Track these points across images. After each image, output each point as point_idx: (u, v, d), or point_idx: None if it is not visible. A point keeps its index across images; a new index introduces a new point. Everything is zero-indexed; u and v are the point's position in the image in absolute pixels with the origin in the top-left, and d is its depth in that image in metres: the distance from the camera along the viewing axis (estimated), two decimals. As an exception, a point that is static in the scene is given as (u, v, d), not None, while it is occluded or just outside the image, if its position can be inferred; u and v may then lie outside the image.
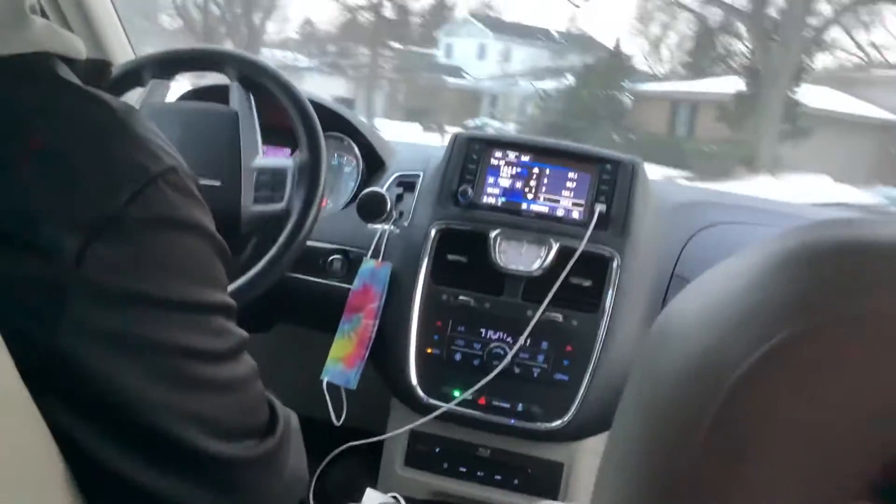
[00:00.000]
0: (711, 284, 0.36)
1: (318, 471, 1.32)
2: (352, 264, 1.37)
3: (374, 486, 1.20)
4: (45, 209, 0.49)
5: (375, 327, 1.30)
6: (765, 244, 0.35)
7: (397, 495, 1.09)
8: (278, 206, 1.20)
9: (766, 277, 0.33)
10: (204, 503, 0.56)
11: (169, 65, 1.28)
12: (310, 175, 1.19)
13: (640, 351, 0.38)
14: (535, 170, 1.34)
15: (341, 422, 1.30)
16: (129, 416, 0.52)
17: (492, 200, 1.35)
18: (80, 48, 0.60)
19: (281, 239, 1.18)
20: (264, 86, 1.23)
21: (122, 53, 1.56)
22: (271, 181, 1.22)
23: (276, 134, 1.35)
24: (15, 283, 0.48)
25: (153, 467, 0.53)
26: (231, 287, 1.13)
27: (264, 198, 1.21)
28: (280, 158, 1.27)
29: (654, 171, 1.39)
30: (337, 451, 1.30)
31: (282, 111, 1.22)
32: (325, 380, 1.30)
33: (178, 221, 0.54)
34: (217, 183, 1.18)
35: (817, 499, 0.30)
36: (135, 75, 1.27)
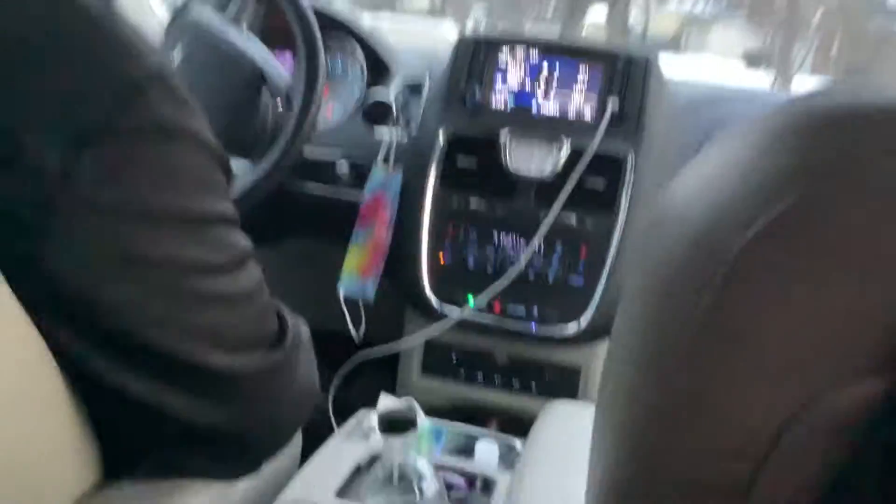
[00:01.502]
0: (711, 159, 0.34)
1: (337, 382, 1.33)
2: (360, 172, 1.35)
3: (393, 395, 1.21)
4: (26, 123, 0.47)
5: (390, 236, 1.29)
6: (764, 117, 0.33)
7: (411, 398, 1.10)
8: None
9: (766, 148, 0.31)
10: (212, 416, 0.55)
11: None
12: (307, 73, 1.17)
13: (642, 231, 0.36)
14: (545, 67, 1.30)
15: (361, 335, 1.30)
16: (129, 331, 0.50)
17: (501, 102, 1.31)
18: None
19: (279, 142, 1.16)
20: None
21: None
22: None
23: (280, 36, 1.31)
24: (3, 202, 0.46)
25: (157, 382, 0.52)
26: (232, 192, 1.11)
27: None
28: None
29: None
30: (353, 361, 1.30)
31: (279, 9, 1.18)
32: (342, 291, 1.30)
33: (168, 129, 0.51)
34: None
35: (825, 375, 0.29)
36: None
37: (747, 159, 0.32)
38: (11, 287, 0.46)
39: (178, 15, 1.29)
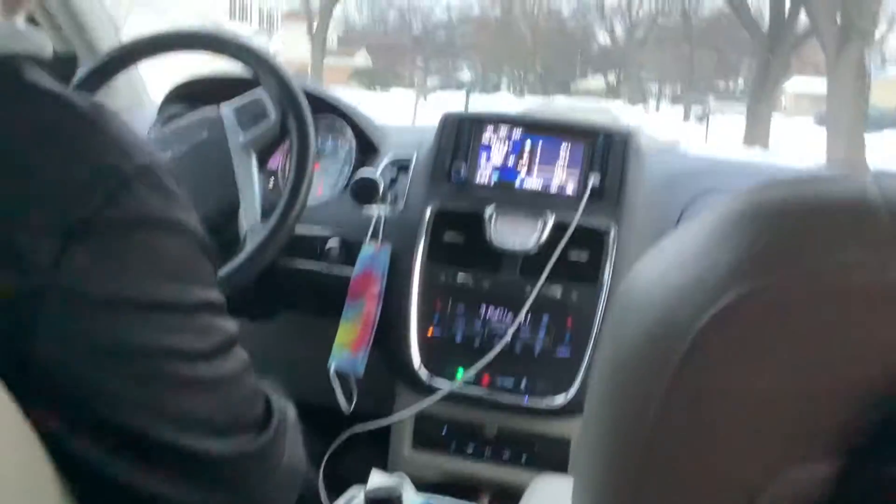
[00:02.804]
0: (668, 248, 0.36)
1: (327, 456, 1.33)
2: (350, 249, 1.37)
3: (384, 469, 1.21)
4: (18, 217, 0.48)
5: (379, 311, 1.30)
6: (717, 206, 0.35)
7: (403, 474, 1.10)
8: (268, 125, 1.24)
9: (714, 240, 0.33)
10: (200, 499, 0.56)
11: (153, 47, 1.29)
12: (299, 155, 1.19)
13: (612, 308, 0.38)
14: (528, 144, 1.34)
15: (351, 409, 1.30)
16: (116, 419, 0.51)
17: (485, 178, 1.34)
18: (45, 45, 0.59)
19: (272, 220, 1.18)
20: (250, 67, 1.23)
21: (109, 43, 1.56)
22: (252, 115, 1.25)
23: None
24: None
25: (144, 469, 0.53)
26: (222, 272, 1.13)
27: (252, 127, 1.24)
28: (246, 95, 1.28)
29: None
30: (344, 435, 1.30)
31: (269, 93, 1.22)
32: (333, 367, 1.31)
33: (155, 221, 0.53)
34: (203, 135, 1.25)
35: (782, 454, 0.30)
36: (119, 61, 1.28)
37: (703, 247, 0.33)
38: (1, 376, 0.47)
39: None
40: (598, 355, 0.38)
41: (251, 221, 1.21)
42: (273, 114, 1.24)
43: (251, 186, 1.23)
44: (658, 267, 0.36)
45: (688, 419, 0.31)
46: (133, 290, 0.51)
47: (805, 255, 0.30)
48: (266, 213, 1.21)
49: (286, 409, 0.65)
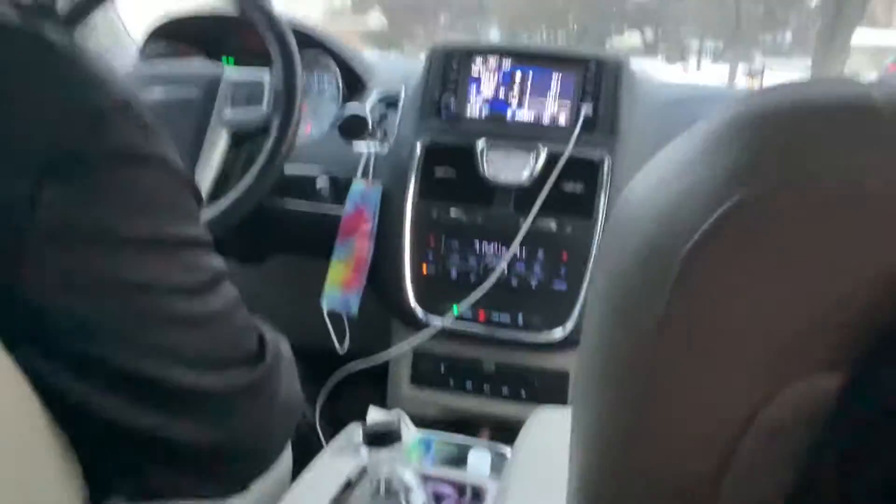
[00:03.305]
0: (662, 162, 0.35)
1: (325, 395, 1.33)
2: (340, 187, 1.35)
3: (383, 407, 1.21)
4: None
5: (371, 250, 1.29)
6: (710, 118, 0.33)
7: (401, 410, 1.10)
8: (257, 113, 1.22)
9: (714, 146, 0.32)
10: (193, 435, 0.56)
11: None
12: (285, 91, 1.17)
13: (604, 234, 0.37)
14: (518, 75, 1.31)
15: (345, 348, 1.30)
16: (104, 356, 0.51)
17: (475, 111, 1.32)
18: None
19: (259, 160, 1.16)
20: (235, 2, 1.20)
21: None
22: (247, 95, 1.23)
23: (255, 59, 1.32)
24: None
25: (136, 405, 0.53)
26: (210, 214, 1.12)
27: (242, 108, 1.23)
28: (255, 71, 1.26)
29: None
30: (341, 374, 1.30)
31: (255, 29, 1.19)
32: (325, 306, 1.30)
33: (133, 155, 0.52)
34: (194, 90, 1.22)
35: (784, 370, 0.29)
36: None
37: (693, 161, 0.32)
38: None
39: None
40: (593, 280, 0.37)
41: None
42: (265, 104, 1.23)
43: (209, 161, 1.23)
44: (650, 181, 0.34)
45: (686, 338, 0.30)
46: (115, 225, 0.50)
47: (808, 158, 0.29)
48: (214, 195, 1.20)
49: (280, 345, 0.65)
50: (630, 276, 0.33)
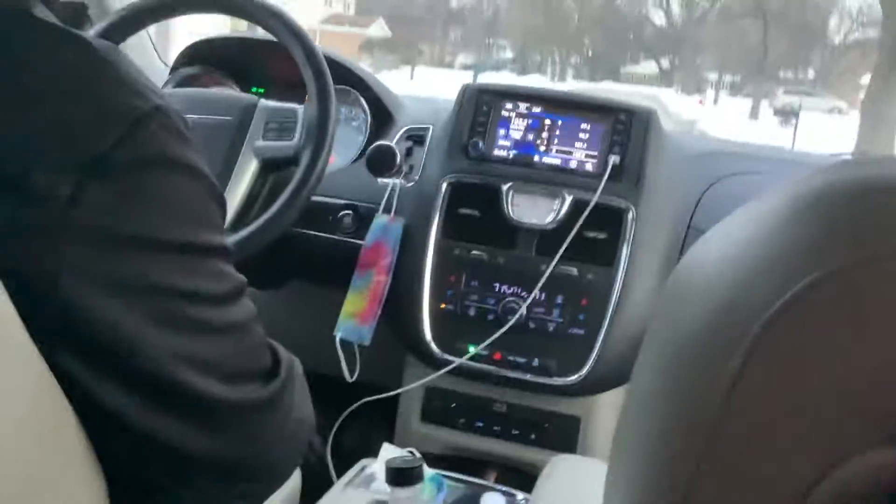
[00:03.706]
0: (732, 231, 0.35)
1: (335, 427, 1.32)
2: (362, 220, 1.35)
3: (390, 442, 1.20)
4: (36, 154, 0.48)
5: (388, 283, 1.29)
6: (786, 187, 0.34)
7: (413, 450, 1.09)
8: (288, 145, 1.22)
9: (789, 221, 0.32)
10: (207, 446, 0.56)
11: (170, 7, 1.27)
12: (318, 125, 1.18)
13: (659, 303, 0.37)
14: (547, 121, 1.32)
15: (355, 378, 1.29)
16: (130, 358, 0.51)
17: (503, 153, 1.33)
18: None
19: (287, 190, 1.16)
20: (273, 31, 1.21)
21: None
22: (280, 126, 1.24)
23: (286, 89, 1.33)
24: (13, 230, 0.47)
25: (155, 410, 0.53)
26: (236, 237, 1.12)
27: (274, 139, 1.24)
28: (290, 104, 1.26)
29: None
30: (353, 406, 1.29)
31: (291, 61, 1.20)
32: (339, 336, 1.30)
33: (169, 161, 0.53)
34: (228, 118, 1.21)
35: (843, 448, 0.29)
36: (134, 19, 1.25)
37: (771, 231, 0.32)
38: (18, 311, 0.46)
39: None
40: (650, 336, 0.37)
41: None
42: (297, 136, 1.23)
43: (237, 187, 1.23)
44: (718, 251, 0.34)
45: (753, 410, 0.30)
46: (148, 229, 0.51)
47: (879, 238, 0.29)
48: (236, 225, 1.21)
49: (293, 364, 0.65)
50: (702, 337, 0.33)
